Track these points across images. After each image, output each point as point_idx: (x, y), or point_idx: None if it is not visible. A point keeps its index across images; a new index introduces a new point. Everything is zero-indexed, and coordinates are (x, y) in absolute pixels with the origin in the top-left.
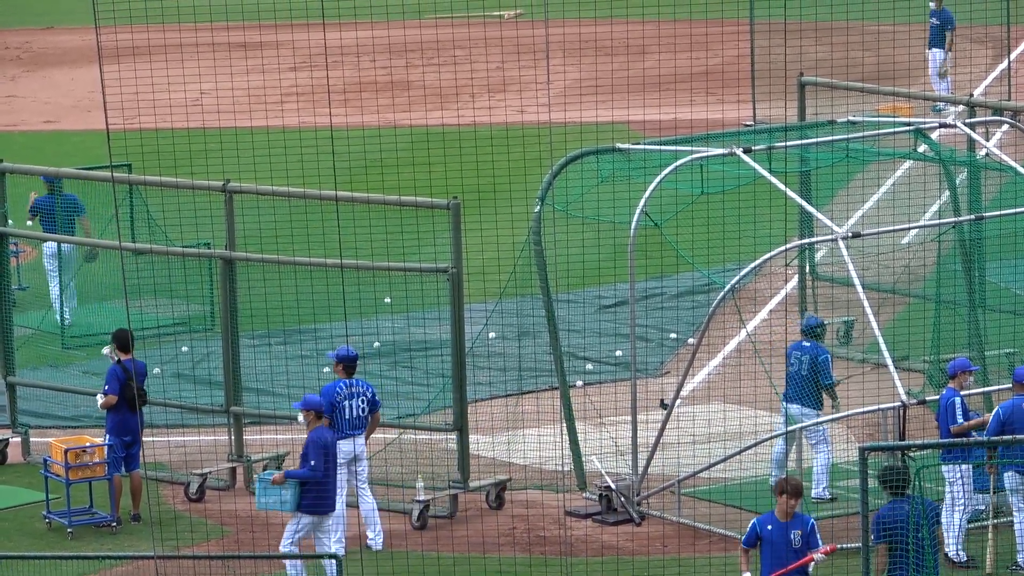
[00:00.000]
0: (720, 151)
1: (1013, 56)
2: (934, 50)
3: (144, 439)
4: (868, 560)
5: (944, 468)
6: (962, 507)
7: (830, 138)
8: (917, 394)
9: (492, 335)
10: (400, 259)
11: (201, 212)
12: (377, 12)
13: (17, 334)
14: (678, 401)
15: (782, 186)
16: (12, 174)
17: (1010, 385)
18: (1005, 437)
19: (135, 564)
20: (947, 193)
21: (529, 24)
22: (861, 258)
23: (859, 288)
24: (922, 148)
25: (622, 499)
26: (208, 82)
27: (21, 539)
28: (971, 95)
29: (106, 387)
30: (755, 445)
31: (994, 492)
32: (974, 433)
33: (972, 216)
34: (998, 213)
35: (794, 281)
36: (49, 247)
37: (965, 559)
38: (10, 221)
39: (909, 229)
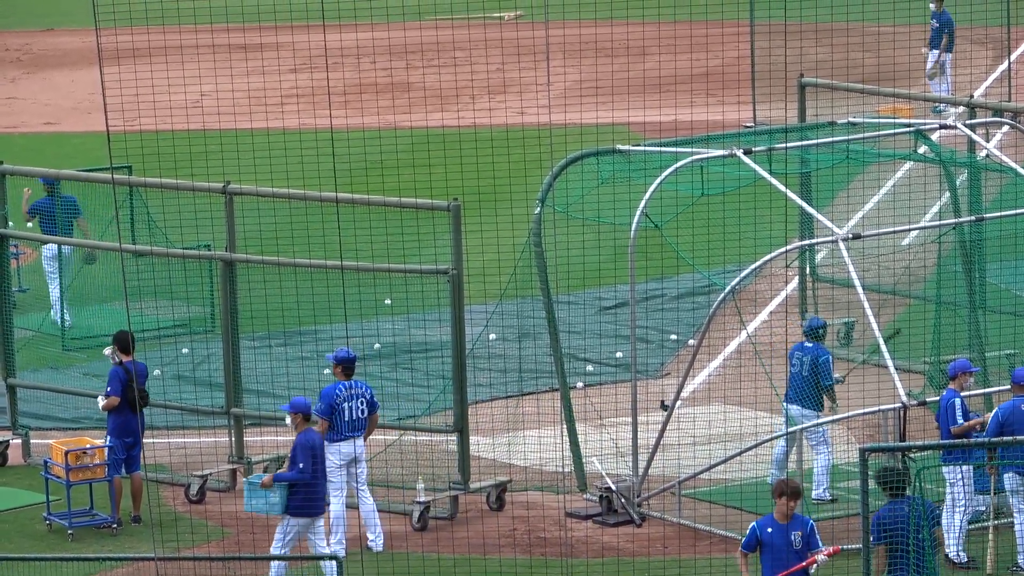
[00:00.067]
0: (720, 152)
1: (1013, 57)
2: (933, 51)
3: (144, 441)
4: (868, 561)
5: (945, 469)
6: (963, 508)
7: (830, 139)
8: (917, 395)
9: (492, 336)
10: (400, 261)
11: (201, 214)
12: (377, 14)
13: (17, 336)
14: (678, 402)
15: (782, 187)
16: (12, 176)
17: (1009, 386)
18: (1006, 438)
19: (135, 565)
20: (947, 194)
21: (529, 25)
22: (861, 259)
23: (859, 289)
24: (922, 149)
25: (622, 500)
26: (208, 84)
27: (22, 541)
28: (971, 96)
29: (108, 388)
30: (755, 446)
31: (994, 493)
32: (974, 434)
33: (972, 217)
34: (998, 214)
35: (794, 282)
36: (49, 249)
37: (966, 560)
38: (10, 223)
39: (909, 230)
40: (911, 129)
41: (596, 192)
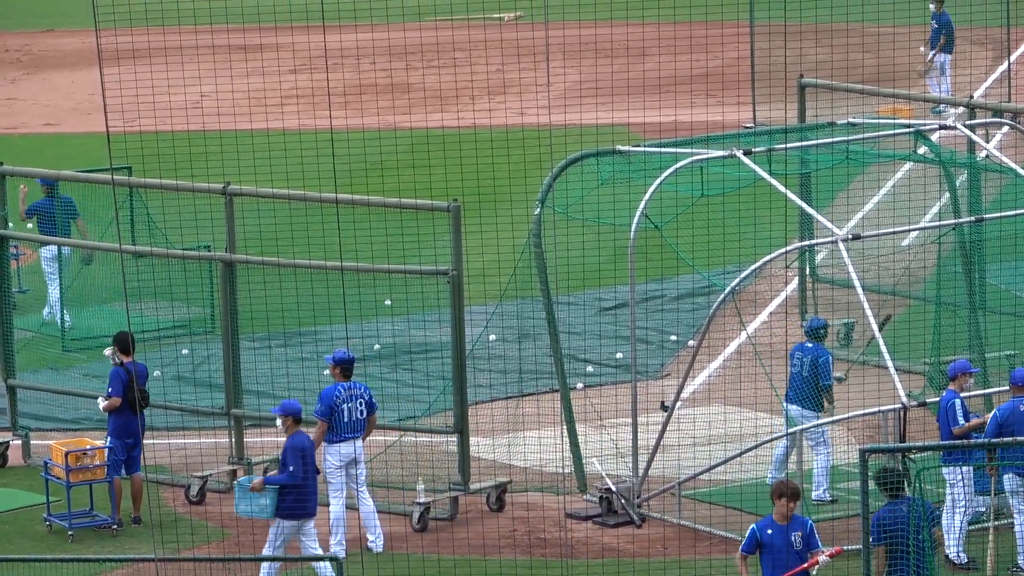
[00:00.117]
0: (720, 153)
1: (1013, 58)
2: (930, 51)
3: (145, 441)
4: (868, 562)
5: (945, 470)
6: (963, 509)
7: (830, 140)
8: (917, 396)
9: (492, 337)
10: (400, 261)
11: (201, 215)
12: (377, 14)
13: (17, 337)
14: (678, 403)
15: (782, 188)
16: (12, 177)
17: (1008, 387)
18: (1006, 439)
19: (136, 566)
20: (947, 195)
21: (529, 26)
22: (861, 260)
23: (859, 290)
24: (922, 150)
25: (622, 501)
26: (208, 85)
27: (22, 542)
28: (971, 97)
29: (109, 389)
30: (756, 447)
31: (994, 494)
32: (974, 435)
33: (972, 218)
34: (998, 215)
35: (794, 283)
36: (49, 250)
37: (966, 561)
38: (10, 224)
39: (909, 231)
40: (911, 130)
41: (596, 193)
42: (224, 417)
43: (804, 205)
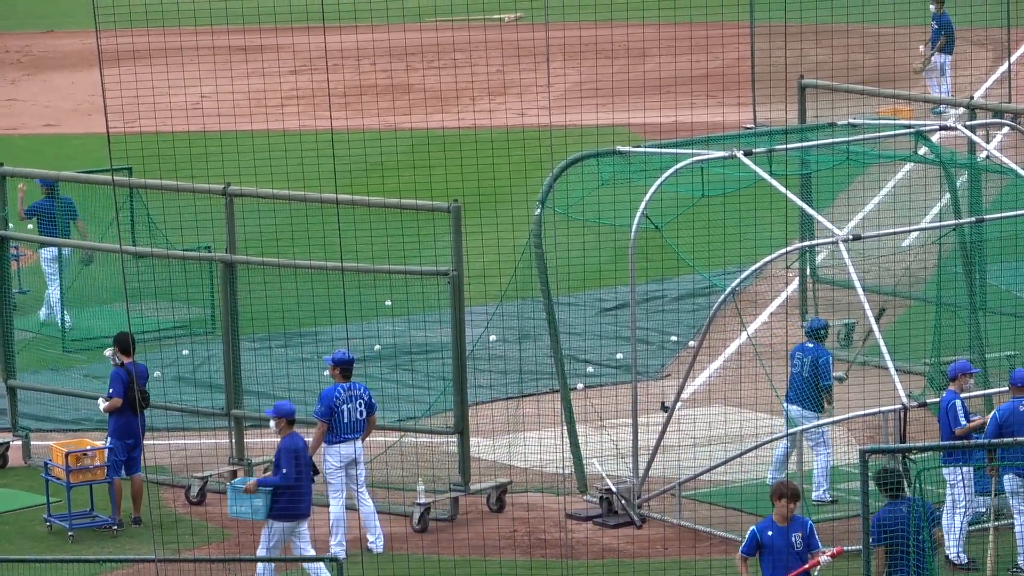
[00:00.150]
0: (721, 154)
1: (1013, 58)
2: (932, 51)
3: (145, 442)
4: (869, 562)
5: (945, 471)
6: (963, 510)
7: (831, 140)
8: (918, 396)
9: (493, 338)
10: (401, 262)
11: (201, 215)
12: (377, 15)
13: (18, 337)
14: (679, 404)
15: (783, 189)
16: (12, 177)
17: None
18: (1006, 439)
19: (136, 567)
20: (947, 195)
21: (529, 27)
22: (862, 260)
23: (860, 291)
24: (922, 150)
25: (623, 502)
26: (208, 85)
27: (22, 542)
28: (971, 97)
29: (110, 390)
30: (756, 448)
31: (995, 495)
32: (975, 435)
33: (973, 219)
34: (999, 215)
35: (795, 284)
36: (49, 251)
37: (966, 561)
38: (10, 225)
39: (910, 232)
40: (911, 130)
41: (596, 193)
42: (224, 418)
43: (804, 206)
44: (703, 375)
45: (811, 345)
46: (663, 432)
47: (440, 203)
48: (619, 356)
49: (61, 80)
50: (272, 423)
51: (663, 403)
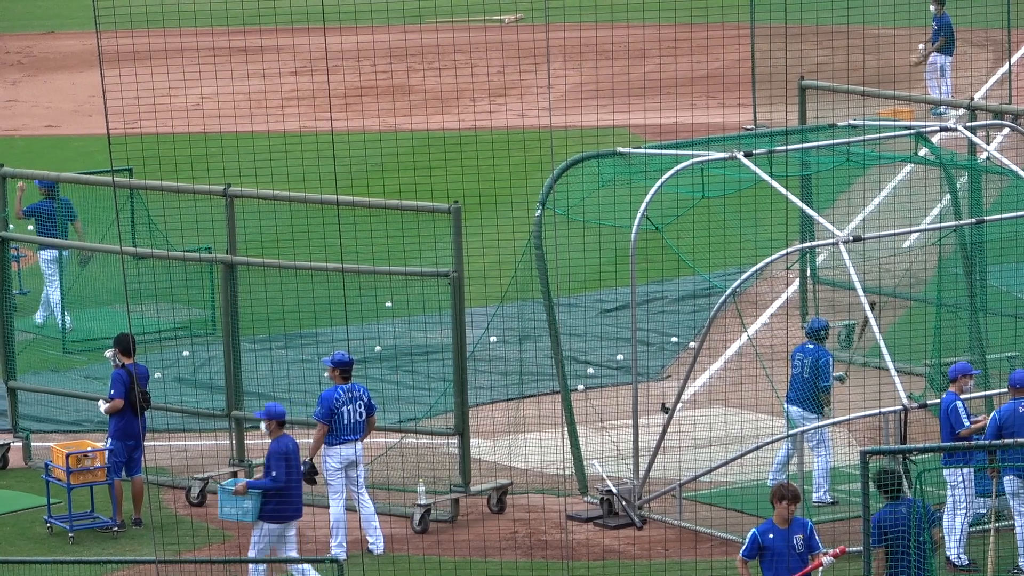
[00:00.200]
0: (721, 155)
1: (1014, 60)
2: (934, 54)
3: (145, 443)
4: (870, 564)
5: (946, 472)
6: (963, 511)
7: (831, 142)
8: (918, 398)
9: (493, 339)
10: (401, 263)
11: (202, 216)
12: (378, 16)
13: (18, 339)
14: (679, 405)
15: (783, 190)
16: (13, 179)
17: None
18: (1007, 441)
19: (136, 568)
20: (948, 197)
21: (530, 28)
22: (862, 262)
23: (860, 292)
24: (923, 152)
25: (623, 503)
26: (209, 86)
27: (22, 544)
28: (972, 99)
29: (111, 391)
30: (756, 449)
31: (995, 496)
32: (977, 436)
33: (973, 220)
34: (999, 217)
35: (795, 285)
36: (48, 252)
37: (967, 563)
38: (11, 226)
39: (910, 233)
40: (912, 131)
41: (597, 195)
42: (225, 419)
43: (805, 207)
44: (703, 376)
45: (811, 346)
46: (663, 433)
47: (440, 204)
48: (619, 357)
49: (62, 81)
50: (263, 425)
51: (663, 404)
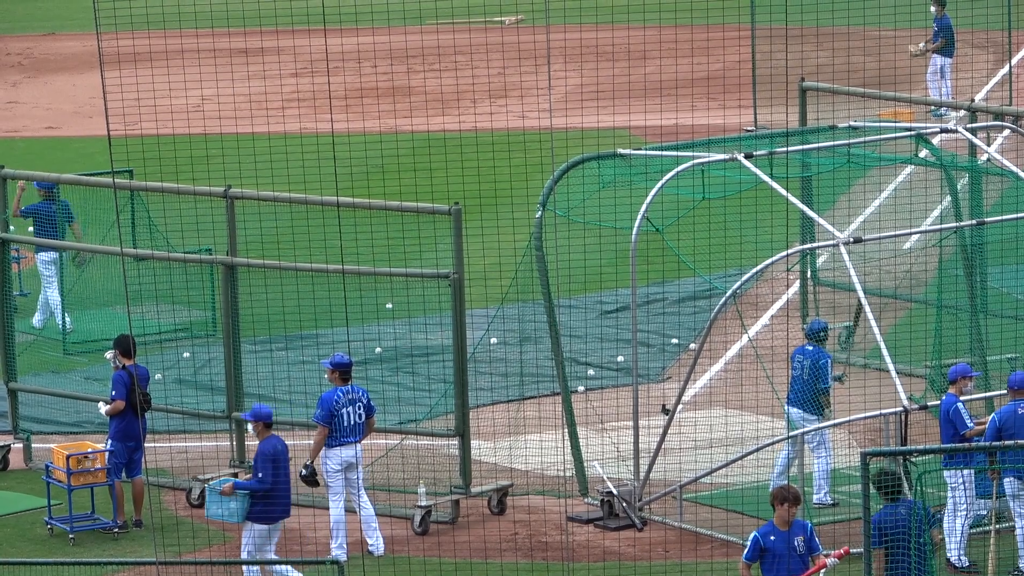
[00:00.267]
0: (721, 156)
1: (1014, 61)
2: (934, 55)
3: (146, 445)
4: (870, 565)
5: (946, 473)
6: (964, 512)
7: (831, 143)
8: (919, 399)
9: (494, 340)
10: (401, 264)
11: (202, 218)
12: (378, 17)
13: (18, 340)
14: (680, 406)
15: (783, 191)
16: (13, 180)
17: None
18: (1008, 442)
19: (137, 570)
20: (948, 198)
21: (530, 29)
22: (863, 263)
23: (860, 293)
24: (923, 153)
25: (624, 504)
26: (209, 88)
27: (23, 545)
28: (972, 100)
29: (113, 393)
30: (757, 450)
31: (996, 498)
32: (978, 438)
33: (973, 221)
34: (999, 218)
35: (796, 286)
36: (47, 253)
37: (967, 564)
38: (11, 227)
39: (911, 234)
40: (912, 133)
41: (597, 196)
42: (225, 420)
43: (805, 208)
44: (704, 378)
45: (811, 348)
46: (664, 435)
47: (441, 206)
48: (620, 359)
49: (62, 83)
50: (250, 427)
51: (664, 406)
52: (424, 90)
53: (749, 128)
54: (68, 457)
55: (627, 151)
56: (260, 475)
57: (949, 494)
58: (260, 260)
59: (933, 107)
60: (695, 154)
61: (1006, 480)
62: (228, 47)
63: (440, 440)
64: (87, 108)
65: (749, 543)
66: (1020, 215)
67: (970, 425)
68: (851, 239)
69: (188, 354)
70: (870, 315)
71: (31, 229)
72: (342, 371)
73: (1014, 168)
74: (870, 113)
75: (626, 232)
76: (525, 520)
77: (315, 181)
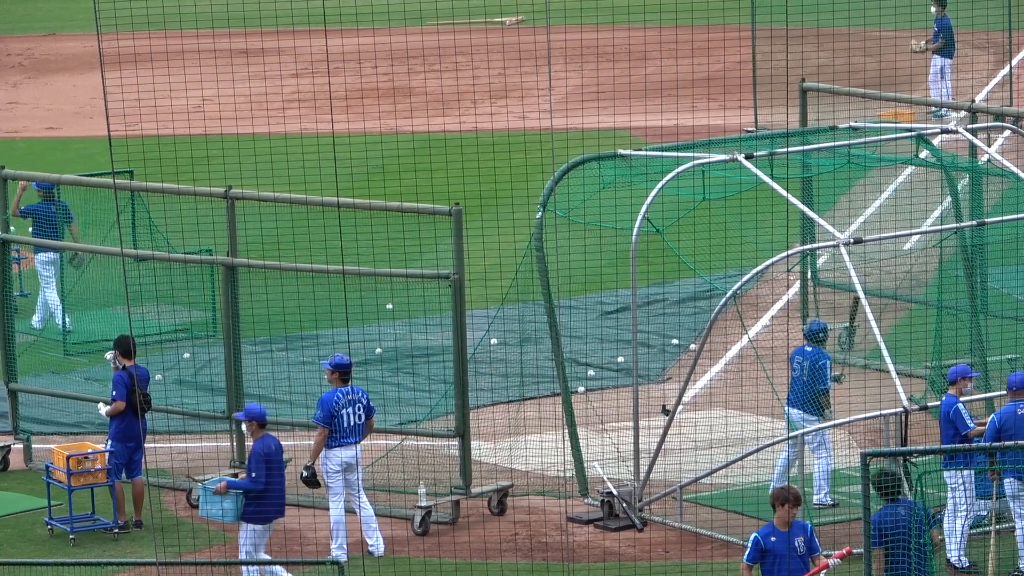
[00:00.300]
0: (722, 157)
1: (1015, 62)
2: (935, 56)
3: (146, 445)
4: (870, 565)
5: (946, 474)
6: (964, 513)
7: (832, 144)
8: (919, 400)
9: (494, 341)
10: (402, 265)
11: (203, 218)
12: (379, 18)
13: (19, 340)
14: (680, 407)
15: (784, 192)
16: (14, 181)
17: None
18: (1007, 443)
19: (137, 570)
20: (949, 199)
21: (530, 30)
22: (863, 264)
23: (861, 294)
24: (924, 154)
25: (624, 505)
26: (210, 88)
27: (23, 546)
28: (973, 101)
29: (114, 393)
30: (757, 451)
31: (996, 498)
32: (978, 439)
33: (974, 222)
34: (1000, 219)
35: (796, 287)
36: (46, 254)
37: (967, 565)
38: (12, 228)
39: (911, 235)
40: (913, 134)
41: (598, 196)
42: (225, 421)
43: (806, 209)
44: (704, 378)
45: (810, 349)
46: (664, 435)
47: (441, 206)
48: (620, 359)
49: (63, 83)
50: (243, 426)
51: (664, 406)
52: (424, 91)
53: (749, 129)
54: (68, 458)
55: (627, 152)
56: (253, 474)
57: (949, 495)
58: (260, 261)
59: (934, 108)
60: (695, 155)
61: (1006, 481)
62: (228, 48)
63: (440, 441)
64: (88, 109)
65: (750, 545)
66: (1020, 216)
67: (971, 425)
68: (851, 240)
69: (188, 355)
70: (870, 315)
71: (31, 229)
72: (342, 372)
73: (1014, 169)
74: (870, 114)
75: (626, 233)
76: (525, 521)
77: (315, 182)
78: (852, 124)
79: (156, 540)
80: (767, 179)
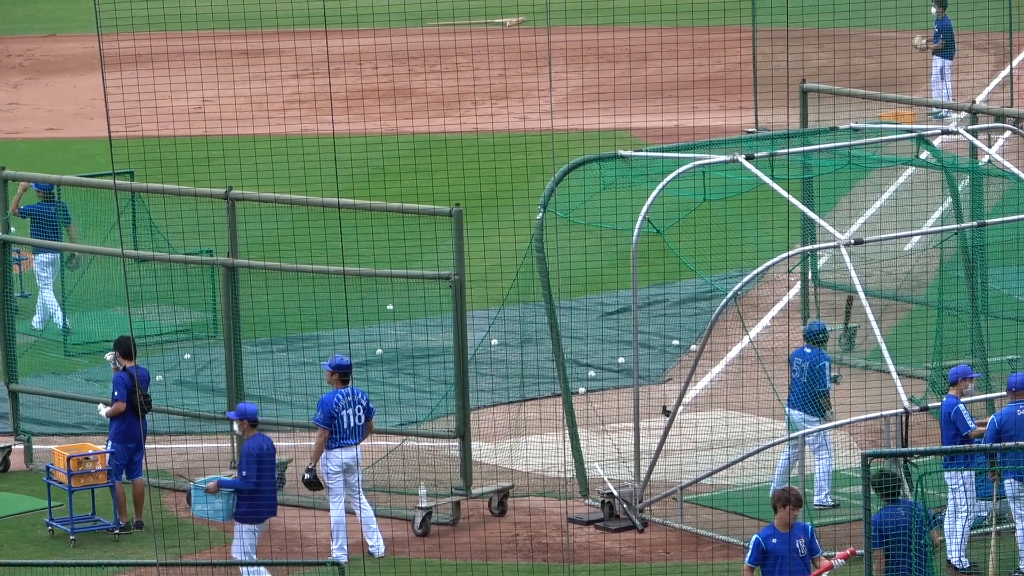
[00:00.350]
0: (722, 158)
1: (1015, 63)
2: (935, 57)
3: (147, 446)
4: (870, 565)
5: (947, 475)
6: (965, 514)
7: (832, 144)
8: (919, 401)
9: (494, 342)
10: (402, 266)
11: (203, 219)
12: (379, 19)
13: (19, 341)
14: (680, 408)
15: (784, 193)
16: (14, 181)
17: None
18: (1007, 444)
19: (137, 571)
20: (949, 200)
21: (531, 31)
22: (863, 265)
23: (861, 295)
24: (924, 155)
25: (624, 506)
26: (210, 89)
27: (24, 546)
28: (973, 102)
29: (115, 393)
30: (757, 452)
31: (996, 499)
32: (978, 439)
33: (974, 223)
34: (1000, 220)
35: (796, 288)
36: (44, 255)
37: (968, 566)
38: (12, 228)
39: (911, 236)
40: (913, 135)
41: (598, 197)
42: (226, 422)
43: (806, 210)
44: (705, 379)
45: (809, 350)
46: (665, 436)
47: (442, 207)
48: (621, 360)
49: (63, 84)
50: (235, 426)
51: (665, 407)
52: (425, 91)
53: (750, 129)
54: (69, 458)
55: (628, 152)
56: (244, 473)
57: (950, 495)
58: (261, 261)
59: (934, 109)
60: (696, 155)
61: (1006, 481)
62: (229, 48)
63: (441, 441)
64: (88, 109)
65: (751, 547)
66: (1021, 216)
67: (972, 426)
68: (852, 241)
69: (189, 356)
70: (871, 316)
71: (30, 230)
72: (341, 373)
73: (1015, 170)
74: (871, 115)
75: (627, 233)
76: (526, 521)
77: (316, 182)
78: (852, 125)
79: (156, 541)
80: (768, 180)
